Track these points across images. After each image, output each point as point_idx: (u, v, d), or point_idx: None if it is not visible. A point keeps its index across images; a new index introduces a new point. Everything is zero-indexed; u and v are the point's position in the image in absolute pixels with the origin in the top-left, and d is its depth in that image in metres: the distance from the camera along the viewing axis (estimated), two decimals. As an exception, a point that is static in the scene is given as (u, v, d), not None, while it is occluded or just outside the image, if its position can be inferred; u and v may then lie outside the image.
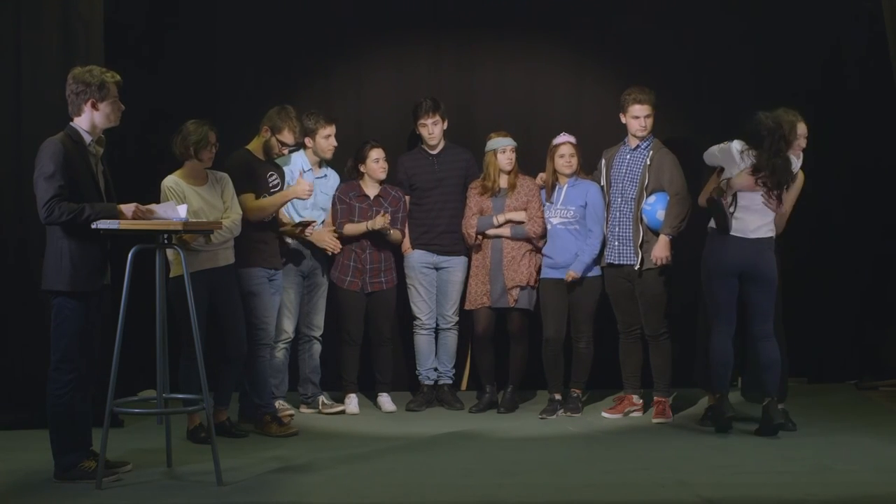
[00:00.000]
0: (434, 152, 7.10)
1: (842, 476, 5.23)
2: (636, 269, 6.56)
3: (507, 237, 6.82)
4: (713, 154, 6.21)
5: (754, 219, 6.07)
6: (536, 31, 7.60)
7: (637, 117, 6.62)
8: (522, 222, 6.81)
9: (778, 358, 6.10)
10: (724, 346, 6.12)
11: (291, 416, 6.59)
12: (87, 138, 5.15)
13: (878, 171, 7.53)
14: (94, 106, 5.12)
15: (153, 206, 5.24)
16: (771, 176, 6.01)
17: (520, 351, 6.93)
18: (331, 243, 6.74)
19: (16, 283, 6.26)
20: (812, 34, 7.51)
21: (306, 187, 6.36)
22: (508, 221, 6.82)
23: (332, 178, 6.98)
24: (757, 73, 7.46)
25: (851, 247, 7.59)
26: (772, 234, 6.15)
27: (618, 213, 6.65)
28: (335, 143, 6.83)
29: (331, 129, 6.80)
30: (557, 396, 6.80)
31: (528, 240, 6.81)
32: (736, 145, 6.08)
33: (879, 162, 7.54)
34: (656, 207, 6.49)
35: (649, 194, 6.55)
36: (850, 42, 7.51)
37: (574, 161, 6.78)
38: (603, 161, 6.78)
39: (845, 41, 7.52)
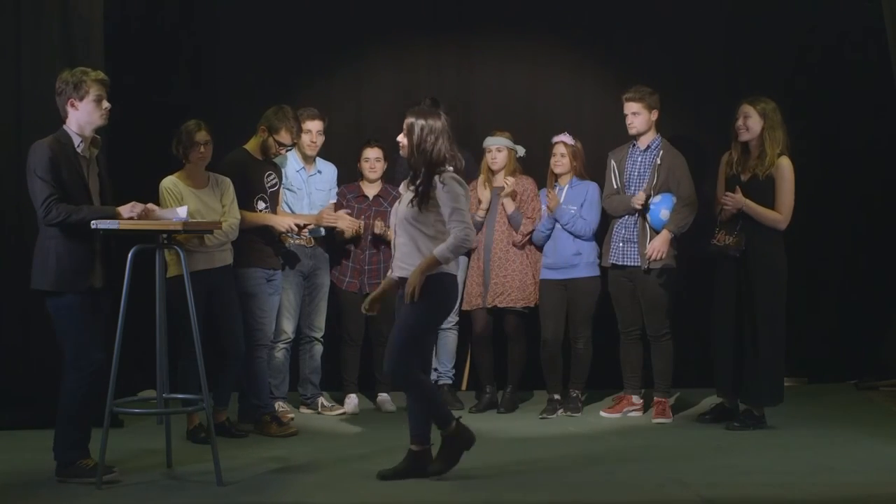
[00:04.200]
0: (433, 152, 7.08)
1: (842, 476, 5.23)
2: (643, 268, 6.55)
3: (508, 215, 6.82)
4: None
5: None
6: (536, 31, 7.60)
7: (625, 115, 6.63)
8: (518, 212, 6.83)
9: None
10: None
11: (291, 418, 6.59)
12: (77, 140, 5.13)
13: (879, 172, 7.53)
14: (72, 105, 5.11)
15: (154, 207, 5.24)
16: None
17: (517, 351, 6.94)
18: (348, 221, 6.74)
19: (14, 282, 6.24)
20: (812, 32, 7.51)
21: (290, 222, 6.35)
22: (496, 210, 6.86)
23: (328, 173, 6.94)
24: (757, 71, 7.45)
25: (851, 246, 7.59)
26: None
27: (625, 215, 6.64)
28: (315, 140, 6.72)
29: (312, 125, 6.69)
30: (556, 396, 6.80)
31: (522, 235, 6.80)
32: None
33: (880, 162, 7.54)
34: (660, 207, 6.49)
35: (655, 194, 6.55)
36: (850, 41, 7.50)
37: (566, 161, 6.77)
38: (613, 162, 6.75)
39: (845, 40, 7.52)
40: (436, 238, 5.07)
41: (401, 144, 5.19)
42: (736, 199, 6.16)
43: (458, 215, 5.03)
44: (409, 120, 5.11)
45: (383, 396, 7.05)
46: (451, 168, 5.11)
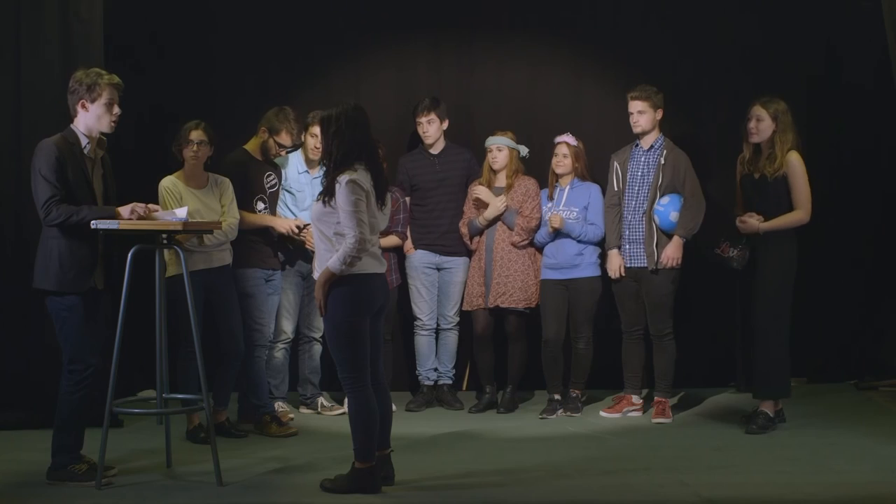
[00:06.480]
0: (435, 152, 7.09)
1: (842, 476, 5.23)
2: (650, 270, 6.54)
3: (501, 217, 6.80)
4: None
5: None
6: (536, 31, 7.60)
7: (630, 113, 6.63)
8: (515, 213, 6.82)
9: None
10: None
11: (291, 418, 6.59)
12: (84, 140, 5.13)
13: (879, 171, 7.53)
14: (83, 107, 5.10)
15: (155, 207, 5.24)
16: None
17: (518, 351, 6.93)
18: None
19: (13, 283, 6.24)
20: (811, 31, 7.51)
21: (290, 224, 6.35)
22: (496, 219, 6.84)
23: None
24: (756, 70, 7.45)
25: (851, 246, 7.58)
26: None
27: (630, 216, 6.63)
28: (319, 146, 6.73)
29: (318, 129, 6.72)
30: (557, 396, 6.80)
31: (520, 234, 6.78)
32: None
33: (879, 161, 7.54)
34: (669, 209, 6.48)
35: (662, 195, 6.54)
36: (850, 40, 7.50)
37: (567, 162, 6.76)
38: (616, 164, 6.73)
39: (844, 39, 7.52)
40: (333, 242, 4.87)
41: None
42: (749, 226, 6.18)
43: (349, 220, 4.77)
44: (324, 114, 4.97)
45: (383, 396, 7.04)
46: (360, 167, 4.87)
